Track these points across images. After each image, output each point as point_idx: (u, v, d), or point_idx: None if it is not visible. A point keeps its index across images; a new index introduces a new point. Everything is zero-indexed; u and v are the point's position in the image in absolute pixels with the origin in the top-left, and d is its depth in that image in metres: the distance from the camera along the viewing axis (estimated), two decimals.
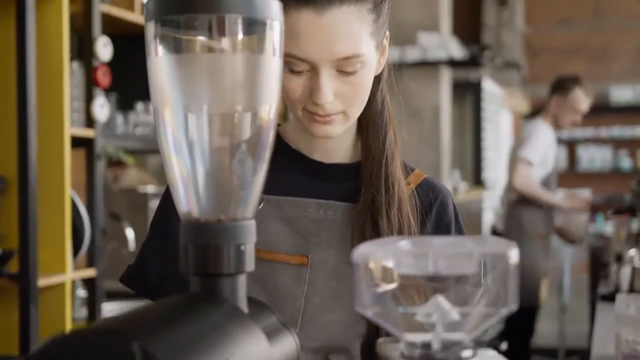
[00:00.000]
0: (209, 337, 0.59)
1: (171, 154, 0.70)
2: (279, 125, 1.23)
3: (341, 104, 1.12)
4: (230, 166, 0.70)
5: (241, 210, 0.71)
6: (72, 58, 2.81)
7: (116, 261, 3.09)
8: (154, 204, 3.27)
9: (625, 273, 2.88)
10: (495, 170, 7.72)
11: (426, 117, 5.81)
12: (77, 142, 2.76)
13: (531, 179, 3.97)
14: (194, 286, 0.70)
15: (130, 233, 3.21)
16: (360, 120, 1.21)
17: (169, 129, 0.69)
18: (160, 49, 0.68)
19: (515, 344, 4.22)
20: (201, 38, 0.68)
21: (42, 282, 2.53)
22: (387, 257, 0.61)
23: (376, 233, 1.15)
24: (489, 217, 6.75)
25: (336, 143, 1.22)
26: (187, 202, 0.70)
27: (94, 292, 2.87)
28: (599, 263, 4.23)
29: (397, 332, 0.63)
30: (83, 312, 3.03)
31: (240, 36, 0.67)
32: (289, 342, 0.69)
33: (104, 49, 2.84)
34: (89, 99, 2.83)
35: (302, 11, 1.07)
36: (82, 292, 3.08)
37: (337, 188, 1.20)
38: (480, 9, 8.52)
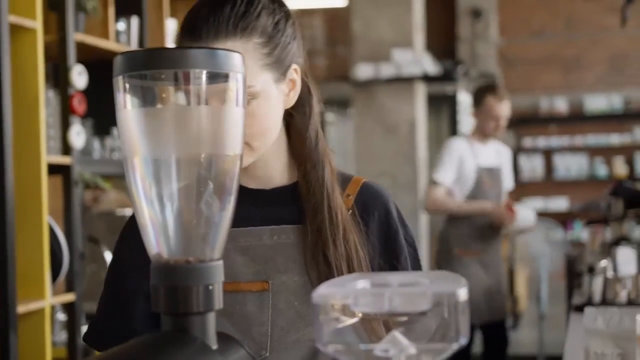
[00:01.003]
0: None
1: (141, 200, 0.74)
2: None
3: None
4: (197, 209, 0.74)
5: (209, 250, 0.75)
6: (47, 86, 2.83)
7: (95, 284, 3.11)
8: None
9: (598, 284, 2.93)
10: None
11: (402, 132, 5.86)
12: (54, 169, 2.78)
13: (438, 198, 4.02)
14: (165, 325, 0.74)
15: (108, 256, 3.23)
16: (296, 154, 1.26)
17: (138, 176, 0.73)
18: (129, 102, 0.72)
19: (492, 355, 4.25)
20: (167, 91, 0.72)
21: (21, 308, 2.54)
22: (346, 296, 0.65)
23: (326, 262, 1.20)
24: None
25: (268, 169, 1.26)
26: (157, 244, 0.74)
27: (74, 316, 2.89)
28: (574, 272, 4.28)
29: None
30: (63, 335, 3.04)
31: (204, 88, 0.72)
32: None
33: (79, 77, 2.86)
34: (65, 126, 2.85)
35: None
36: (61, 316, 3.10)
37: (284, 211, 1.25)
38: (455, 22, 8.62)
